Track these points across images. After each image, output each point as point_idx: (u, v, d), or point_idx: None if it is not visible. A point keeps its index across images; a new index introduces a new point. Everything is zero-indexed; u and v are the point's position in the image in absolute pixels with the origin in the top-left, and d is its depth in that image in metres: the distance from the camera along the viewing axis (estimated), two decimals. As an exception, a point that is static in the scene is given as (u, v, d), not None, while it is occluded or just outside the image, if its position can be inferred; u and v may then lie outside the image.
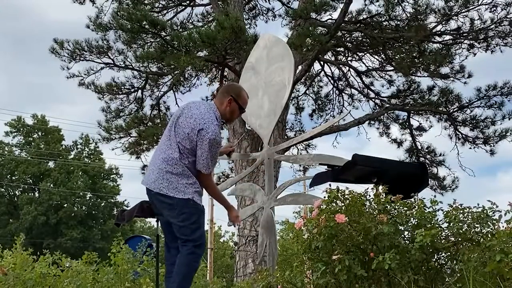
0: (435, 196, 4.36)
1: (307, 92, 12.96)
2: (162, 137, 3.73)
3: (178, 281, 3.43)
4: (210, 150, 3.50)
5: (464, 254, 3.07)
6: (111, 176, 37.59)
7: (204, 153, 3.49)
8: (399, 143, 12.08)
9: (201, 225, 3.54)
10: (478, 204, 3.20)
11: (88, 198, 36.32)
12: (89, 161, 37.35)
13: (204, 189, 3.70)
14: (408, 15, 10.08)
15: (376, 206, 3.32)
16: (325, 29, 10.14)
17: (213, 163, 3.60)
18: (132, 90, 11.22)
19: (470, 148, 11.06)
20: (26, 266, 6.85)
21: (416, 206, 3.31)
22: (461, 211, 3.20)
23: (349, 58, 12.09)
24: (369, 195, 3.41)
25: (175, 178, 3.49)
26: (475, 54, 10.53)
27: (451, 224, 3.20)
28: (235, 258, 9.45)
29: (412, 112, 11.30)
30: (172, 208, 3.49)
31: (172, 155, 3.52)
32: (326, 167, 4.45)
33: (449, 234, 3.23)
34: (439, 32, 10.46)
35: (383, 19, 10.23)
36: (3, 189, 35.53)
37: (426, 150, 11.77)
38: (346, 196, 3.37)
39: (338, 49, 11.78)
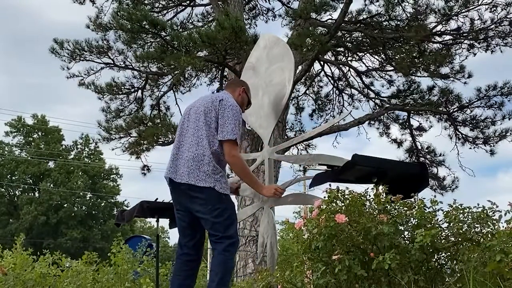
0: (435, 196, 4.37)
1: (307, 92, 12.94)
2: (181, 132, 3.57)
3: (217, 281, 3.26)
4: (233, 117, 3.41)
5: (464, 254, 3.07)
6: (111, 176, 37.65)
7: (227, 120, 3.40)
8: (399, 143, 12.07)
9: (234, 220, 3.43)
10: (478, 204, 3.20)
11: (88, 198, 36.35)
12: (89, 161, 37.37)
13: (232, 168, 3.51)
14: (408, 15, 10.08)
15: (376, 206, 3.32)
16: (325, 29, 10.13)
17: (238, 130, 3.44)
18: (132, 90, 11.21)
19: (470, 148, 11.05)
20: (26, 266, 6.86)
21: (416, 206, 3.31)
22: (461, 211, 3.20)
23: (349, 58, 12.07)
24: (369, 195, 3.41)
25: (206, 168, 3.34)
26: (475, 54, 10.52)
27: (451, 224, 3.20)
28: (235, 258, 9.44)
29: (412, 112, 11.28)
30: (204, 203, 3.34)
31: (199, 150, 3.38)
32: (326, 167, 4.43)
33: (449, 234, 3.23)
34: (439, 32, 10.45)
35: (383, 19, 10.23)
36: (3, 189, 35.53)
37: (426, 150, 11.76)
38: (346, 196, 3.37)
39: (338, 49, 11.76)
